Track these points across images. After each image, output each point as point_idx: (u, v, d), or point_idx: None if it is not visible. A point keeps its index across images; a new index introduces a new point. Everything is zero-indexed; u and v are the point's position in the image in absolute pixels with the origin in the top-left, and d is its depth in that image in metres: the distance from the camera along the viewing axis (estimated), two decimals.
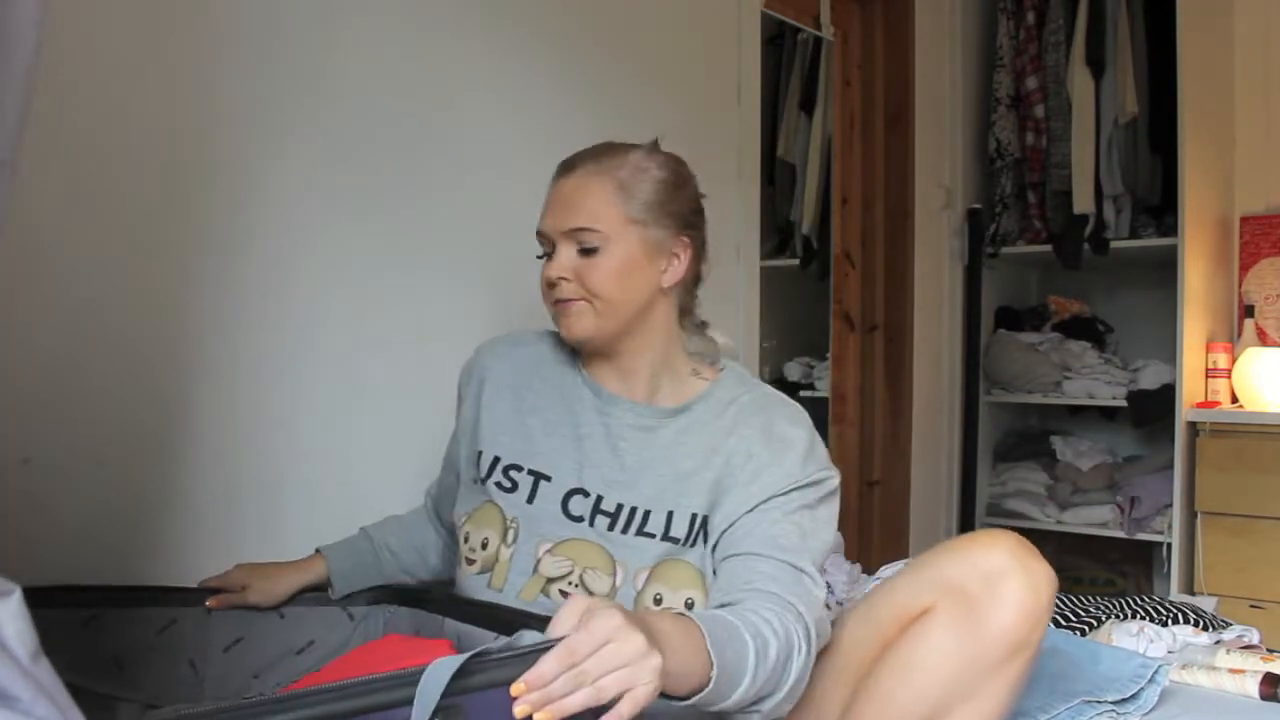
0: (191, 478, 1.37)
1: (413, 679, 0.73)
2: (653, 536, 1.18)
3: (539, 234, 1.23)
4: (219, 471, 1.40)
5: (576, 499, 1.21)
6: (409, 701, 0.72)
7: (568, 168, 1.23)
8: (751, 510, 1.15)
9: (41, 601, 1.04)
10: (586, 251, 1.18)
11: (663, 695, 0.92)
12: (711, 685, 0.92)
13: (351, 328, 1.56)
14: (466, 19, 1.72)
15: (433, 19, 1.67)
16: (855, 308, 3.03)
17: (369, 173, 1.58)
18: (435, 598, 1.31)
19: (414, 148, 1.65)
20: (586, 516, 1.21)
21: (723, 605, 1.08)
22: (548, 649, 0.78)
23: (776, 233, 3.24)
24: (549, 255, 1.22)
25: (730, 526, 1.16)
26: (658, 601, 1.16)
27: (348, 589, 1.34)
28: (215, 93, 1.39)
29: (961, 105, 3.17)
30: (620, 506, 1.20)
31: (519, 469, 1.24)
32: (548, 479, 1.23)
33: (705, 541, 1.18)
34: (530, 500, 1.22)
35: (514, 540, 1.20)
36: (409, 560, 1.40)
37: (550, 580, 1.19)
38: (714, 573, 1.17)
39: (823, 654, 1.13)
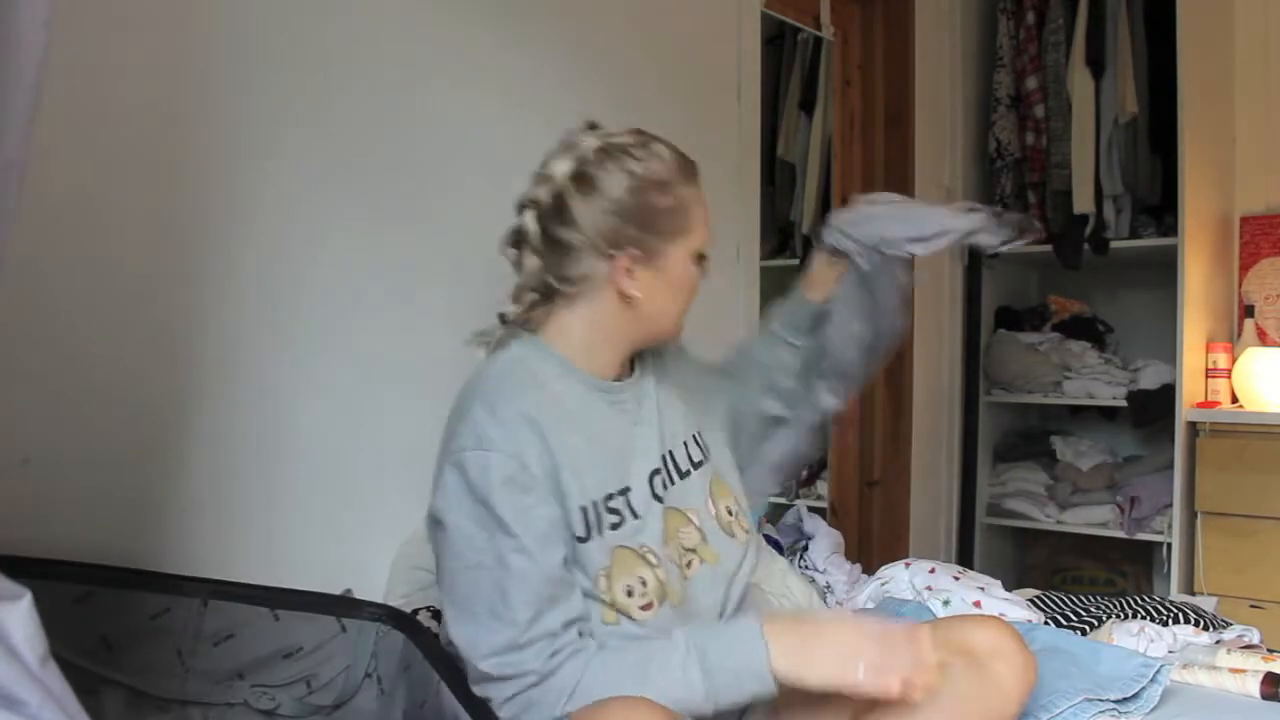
0: (191, 478, 1.37)
1: None
2: (698, 464, 1.30)
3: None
4: (219, 472, 1.40)
5: (657, 479, 1.24)
6: None
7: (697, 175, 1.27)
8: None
9: (39, 572, 1.04)
10: None
11: None
12: None
13: (350, 325, 1.56)
14: (466, 19, 1.72)
15: (433, 19, 1.67)
16: None
17: (368, 176, 1.58)
18: (425, 629, 1.29)
19: (413, 150, 1.65)
20: (660, 491, 1.24)
21: None
22: None
23: (776, 233, 3.25)
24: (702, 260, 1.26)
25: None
26: (730, 513, 1.31)
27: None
28: (215, 91, 1.39)
29: (961, 105, 3.17)
30: (666, 458, 1.27)
31: (610, 497, 1.19)
32: (627, 490, 1.21)
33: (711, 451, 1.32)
34: (636, 515, 1.20)
35: (657, 560, 1.19)
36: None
37: (686, 550, 1.24)
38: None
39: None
